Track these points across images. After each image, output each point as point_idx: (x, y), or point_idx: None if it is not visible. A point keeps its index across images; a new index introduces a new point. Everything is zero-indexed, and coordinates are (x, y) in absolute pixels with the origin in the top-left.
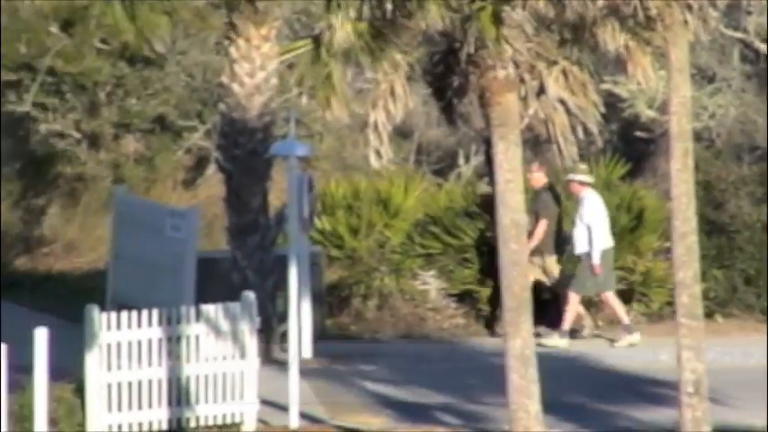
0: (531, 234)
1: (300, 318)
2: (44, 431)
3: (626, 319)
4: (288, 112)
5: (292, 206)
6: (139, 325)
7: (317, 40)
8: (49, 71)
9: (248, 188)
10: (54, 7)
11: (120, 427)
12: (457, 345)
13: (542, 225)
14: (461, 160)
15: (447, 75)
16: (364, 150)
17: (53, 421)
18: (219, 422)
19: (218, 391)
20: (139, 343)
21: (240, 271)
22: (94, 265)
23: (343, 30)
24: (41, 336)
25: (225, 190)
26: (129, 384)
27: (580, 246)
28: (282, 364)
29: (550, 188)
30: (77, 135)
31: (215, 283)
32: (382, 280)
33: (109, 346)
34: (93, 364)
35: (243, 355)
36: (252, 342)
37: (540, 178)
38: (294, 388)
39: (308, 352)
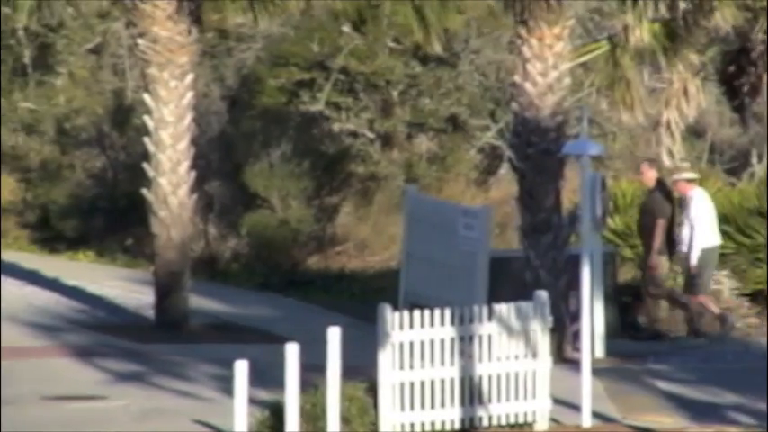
0: (647, 234)
1: (593, 317)
2: (337, 430)
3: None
4: (580, 111)
5: (585, 205)
6: (432, 324)
7: (612, 41)
8: (341, 70)
9: (541, 187)
10: (346, 7)
11: (412, 426)
12: (750, 344)
13: (660, 225)
14: (754, 159)
15: (739, 74)
16: (657, 149)
17: (345, 420)
18: (512, 421)
19: (510, 391)
20: (432, 342)
21: (533, 270)
22: (387, 264)
23: (639, 30)
24: (334, 335)
25: (517, 189)
26: (422, 383)
27: (687, 245)
28: (575, 364)
29: (661, 186)
30: (370, 134)
31: (507, 282)
32: (675, 279)
33: (401, 345)
34: (386, 363)
35: (535, 355)
36: (544, 341)
37: (651, 177)
38: (586, 387)
39: (600, 351)
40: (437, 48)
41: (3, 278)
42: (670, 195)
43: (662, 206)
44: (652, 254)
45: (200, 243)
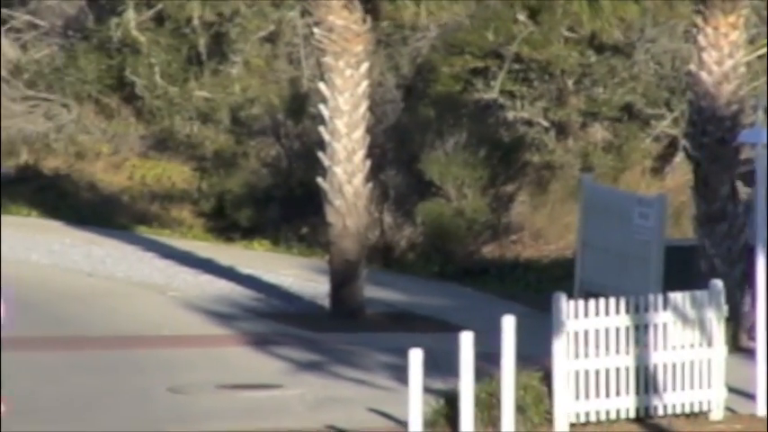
0: None
1: None
2: (512, 419)
3: None
4: (756, 99)
5: (760, 194)
6: (607, 313)
7: None
8: (516, 58)
9: (716, 176)
10: None
11: (587, 414)
12: None
13: None
14: None
15: None
16: None
17: (520, 409)
18: (687, 410)
19: (685, 379)
20: (607, 331)
21: (708, 259)
22: (562, 253)
23: None
24: (509, 323)
25: (693, 178)
26: (597, 372)
27: None
28: (750, 353)
29: None
30: (545, 123)
31: (682, 270)
32: None
33: (576, 333)
34: (561, 351)
35: (710, 344)
36: (719, 330)
37: None
38: (762, 376)
39: None
40: (612, 37)
41: (178, 267)
42: None
43: None
44: None
45: (375, 232)
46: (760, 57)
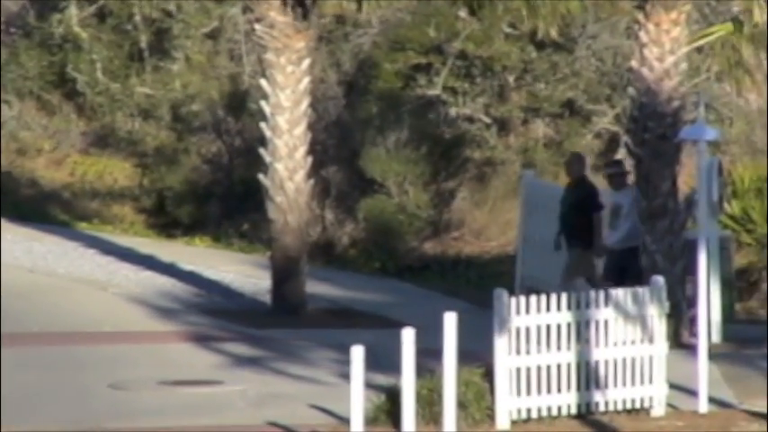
0: None
1: (709, 302)
2: (453, 415)
3: None
4: (697, 96)
5: (701, 190)
6: (548, 309)
7: (733, 23)
8: (458, 55)
9: (658, 172)
10: None
11: (528, 411)
12: None
13: None
14: None
15: None
16: None
17: (462, 405)
18: (629, 407)
19: (627, 376)
20: (548, 327)
21: (649, 255)
22: (503, 250)
23: (758, 12)
24: (451, 320)
25: (634, 174)
26: (538, 369)
27: None
28: (691, 349)
29: None
30: (487, 119)
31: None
32: None
33: (518, 330)
34: (503, 348)
35: (652, 340)
36: (661, 327)
37: None
38: (703, 372)
39: (716, 336)
40: (550, 34)
41: (120, 263)
42: None
43: None
44: None
45: (316, 228)
46: (701, 53)
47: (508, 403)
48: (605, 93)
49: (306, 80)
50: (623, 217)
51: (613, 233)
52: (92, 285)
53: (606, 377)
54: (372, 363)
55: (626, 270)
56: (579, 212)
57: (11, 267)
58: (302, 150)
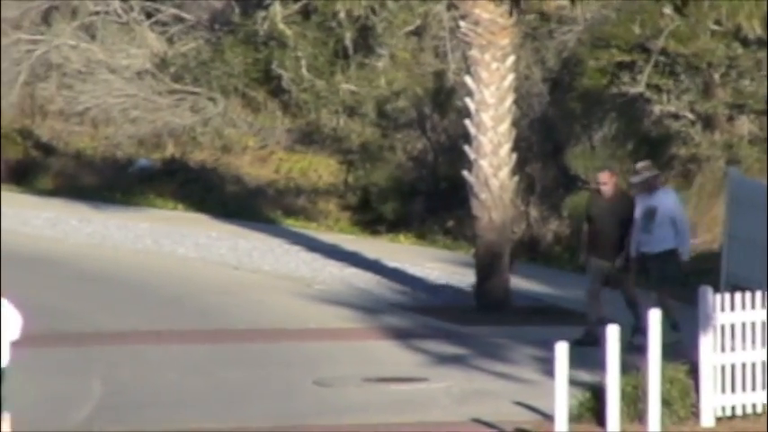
0: None
1: None
2: (657, 412)
3: None
4: None
5: None
6: (753, 306)
7: None
8: (662, 52)
9: None
10: None
11: (733, 408)
12: None
13: None
14: None
15: None
16: None
17: (666, 402)
18: None
19: None
20: (753, 324)
21: None
22: (709, 247)
23: None
24: (655, 316)
25: None
26: (743, 366)
27: None
28: None
29: None
30: (691, 116)
31: None
32: None
33: (723, 327)
34: (707, 345)
35: None
36: None
37: None
38: None
39: None
40: (758, 30)
41: (325, 260)
42: None
43: None
44: None
45: (521, 225)
46: None
47: (712, 400)
48: None
49: (510, 77)
50: (658, 220)
51: (648, 237)
52: (297, 282)
53: None
54: (577, 359)
55: (665, 273)
56: None
57: (216, 264)
58: (507, 147)
